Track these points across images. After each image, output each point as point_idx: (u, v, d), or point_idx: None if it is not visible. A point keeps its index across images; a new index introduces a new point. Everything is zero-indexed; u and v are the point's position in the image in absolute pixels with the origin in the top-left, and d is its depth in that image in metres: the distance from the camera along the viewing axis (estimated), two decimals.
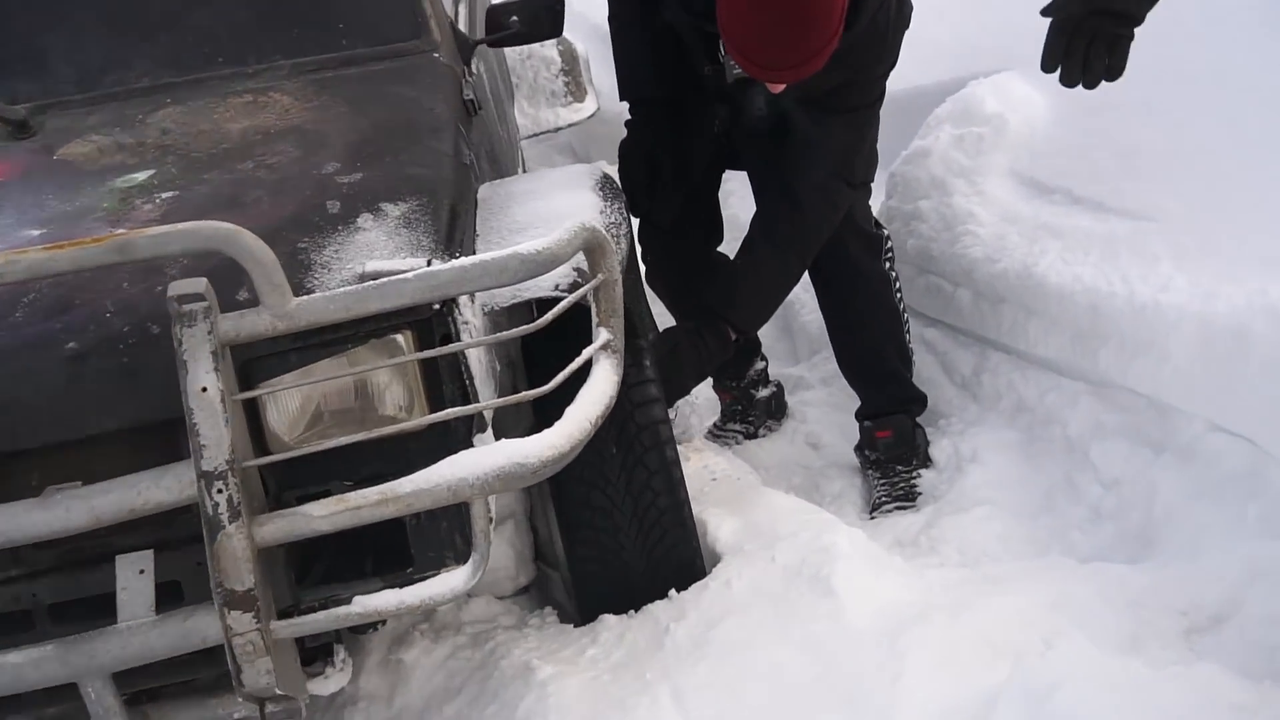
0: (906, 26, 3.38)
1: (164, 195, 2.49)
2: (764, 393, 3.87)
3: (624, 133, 3.50)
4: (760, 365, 3.89)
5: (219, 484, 2.03)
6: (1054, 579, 2.81)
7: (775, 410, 3.91)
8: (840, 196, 3.37)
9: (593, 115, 4.30)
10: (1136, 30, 2.64)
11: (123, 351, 2.18)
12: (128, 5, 3.28)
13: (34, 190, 2.58)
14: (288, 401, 2.22)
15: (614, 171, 3.39)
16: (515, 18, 3.19)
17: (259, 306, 2.08)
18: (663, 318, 3.56)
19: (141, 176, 2.56)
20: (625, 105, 3.63)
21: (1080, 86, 2.74)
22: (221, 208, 2.40)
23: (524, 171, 4.14)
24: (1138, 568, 2.87)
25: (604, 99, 4.69)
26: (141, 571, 2.15)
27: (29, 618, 2.21)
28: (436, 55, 3.06)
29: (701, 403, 4.02)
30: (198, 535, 2.09)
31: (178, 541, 2.20)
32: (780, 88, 3.06)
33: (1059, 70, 2.81)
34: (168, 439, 2.16)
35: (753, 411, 3.89)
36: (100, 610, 2.17)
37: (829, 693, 2.40)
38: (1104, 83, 2.74)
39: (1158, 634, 2.60)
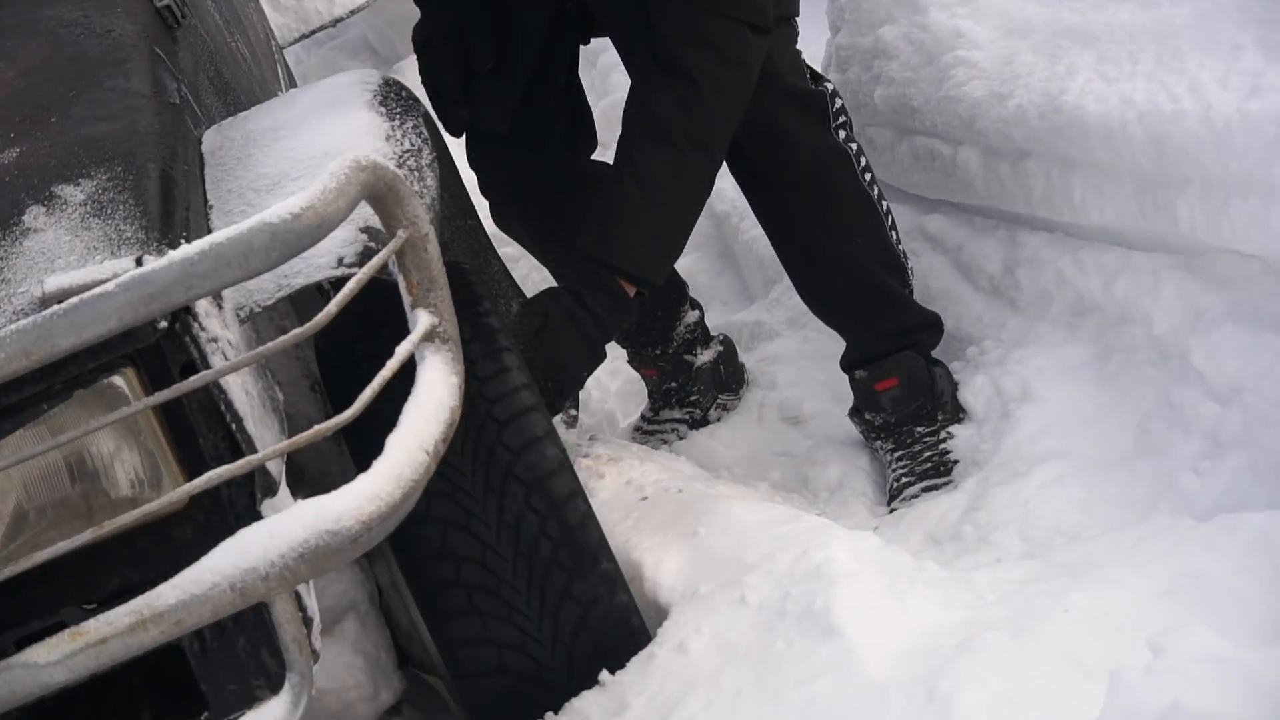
0: None
1: None
2: (705, 356, 3.91)
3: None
4: (692, 317, 3.93)
5: None
6: (1165, 551, 2.84)
7: (727, 379, 3.96)
8: (746, 47, 3.41)
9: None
10: None
11: None
12: None
13: None
14: None
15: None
16: None
17: None
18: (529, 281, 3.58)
19: None
20: None
21: None
22: None
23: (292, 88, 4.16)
24: None
25: None
26: None
27: None
28: None
29: (618, 387, 4.04)
30: None
31: None
32: None
33: None
34: None
35: (694, 386, 3.92)
36: None
37: None
38: None
39: None
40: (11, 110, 2.64)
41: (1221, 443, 3.16)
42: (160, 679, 2.38)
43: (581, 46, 3.82)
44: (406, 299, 2.45)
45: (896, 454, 3.60)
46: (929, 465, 3.55)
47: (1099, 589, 2.71)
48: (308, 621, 2.35)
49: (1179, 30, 3.41)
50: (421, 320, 2.42)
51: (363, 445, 2.40)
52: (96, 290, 2.16)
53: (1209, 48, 3.34)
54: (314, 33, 4.55)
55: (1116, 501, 3.18)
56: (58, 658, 2.15)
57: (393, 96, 2.96)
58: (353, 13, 4.66)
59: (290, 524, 2.20)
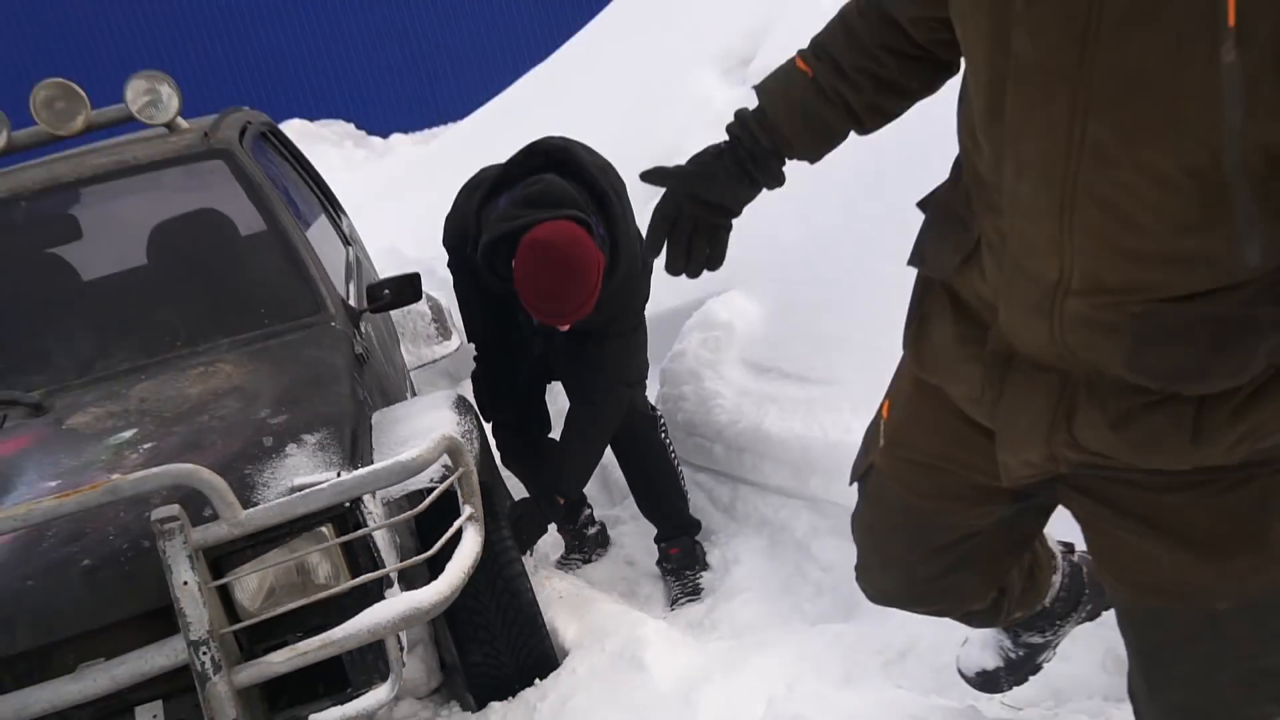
0: (651, 273, 3.34)
1: (145, 446, 2.49)
2: (592, 531, 3.77)
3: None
4: (587, 512, 3.79)
5: (203, 648, 2.10)
6: (794, 639, 2.84)
7: (601, 542, 3.82)
8: (623, 394, 3.36)
9: (457, 349, 4.26)
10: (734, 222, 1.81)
11: (124, 562, 2.22)
12: (106, 312, 3.25)
13: (51, 452, 2.56)
14: (248, 583, 2.24)
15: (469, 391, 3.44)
16: (387, 290, 3.17)
17: (219, 520, 2.15)
18: (518, 489, 3.54)
19: (128, 434, 2.57)
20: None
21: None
22: (188, 451, 2.43)
23: (413, 394, 4.09)
24: (849, 624, 2.89)
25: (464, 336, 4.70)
26: (155, 716, 2.19)
27: None
28: (333, 324, 3.04)
29: (551, 541, 3.88)
30: (193, 686, 2.14)
31: (179, 692, 2.21)
32: (566, 327, 3.07)
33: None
34: (165, 620, 2.19)
35: (586, 545, 3.78)
36: None
37: None
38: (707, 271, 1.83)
39: (864, 670, 2.65)
40: (286, 397, 2.64)
41: (822, 589, 3.08)
42: (328, 672, 2.30)
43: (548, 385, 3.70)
44: (460, 499, 2.44)
45: (675, 583, 3.47)
46: (690, 589, 3.43)
47: (765, 655, 2.68)
48: (400, 646, 2.32)
49: (816, 399, 3.33)
50: (466, 510, 2.42)
51: (435, 566, 2.32)
52: (317, 487, 2.19)
53: (830, 409, 3.28)
54: (423, 365, 4.49)
55: (773, 614, 3.10)
56: (283, 659, 2.16)
57: (461, 404, 2.90)
58: (443, 358, 4.57)
59: (399, 604, 2.22)
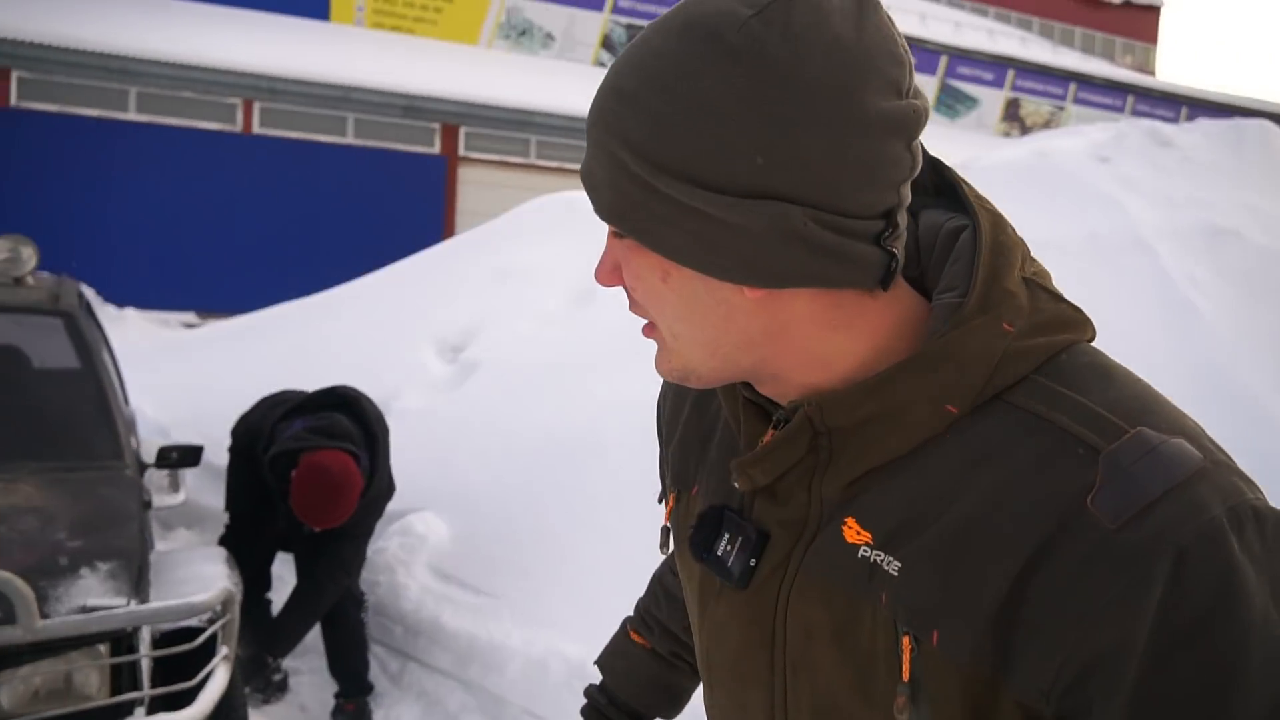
0: (391, 496, 3.40)
1: None
2: (277, 677, 3.39)
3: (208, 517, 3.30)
4: (277, 663, 3.41)
5: None
6: None
7: (281, 687, 3.41)
8: (343, 581, 3.27)
9: (182, 504, 3.84)
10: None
11: None
12: None
13: None
14: (17, 685, 1.98)
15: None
16: (175, 453, 3.00)
17: (14, 625, 1.93)
18: None
19: None
20: (219, 506, 3.45)
21: None
22: None
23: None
24: None
25: (191, 495, 4.27)
26: None
27: None
28: (127, 471, 2.81)
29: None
30: None
31: None
32: (319, 529, 3.09)
33: None
34: None
35: (268, 687, 3.34)
36: None
37: None
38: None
39: None
40: (83, 525, 2.38)
41: None
42: None
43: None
44: (220, 640, 2.24)
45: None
46: None
47: None
48: None
49: (486, 607, 3.27)
50: (223, 650, 2.24)
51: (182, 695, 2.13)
52: (112, 611, 2.04)
53: (495, 616, 3.23)
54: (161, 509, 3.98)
55: None
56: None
57: (230, 561, 2.67)
58: (170, 507, 4.02)
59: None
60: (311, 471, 2.95)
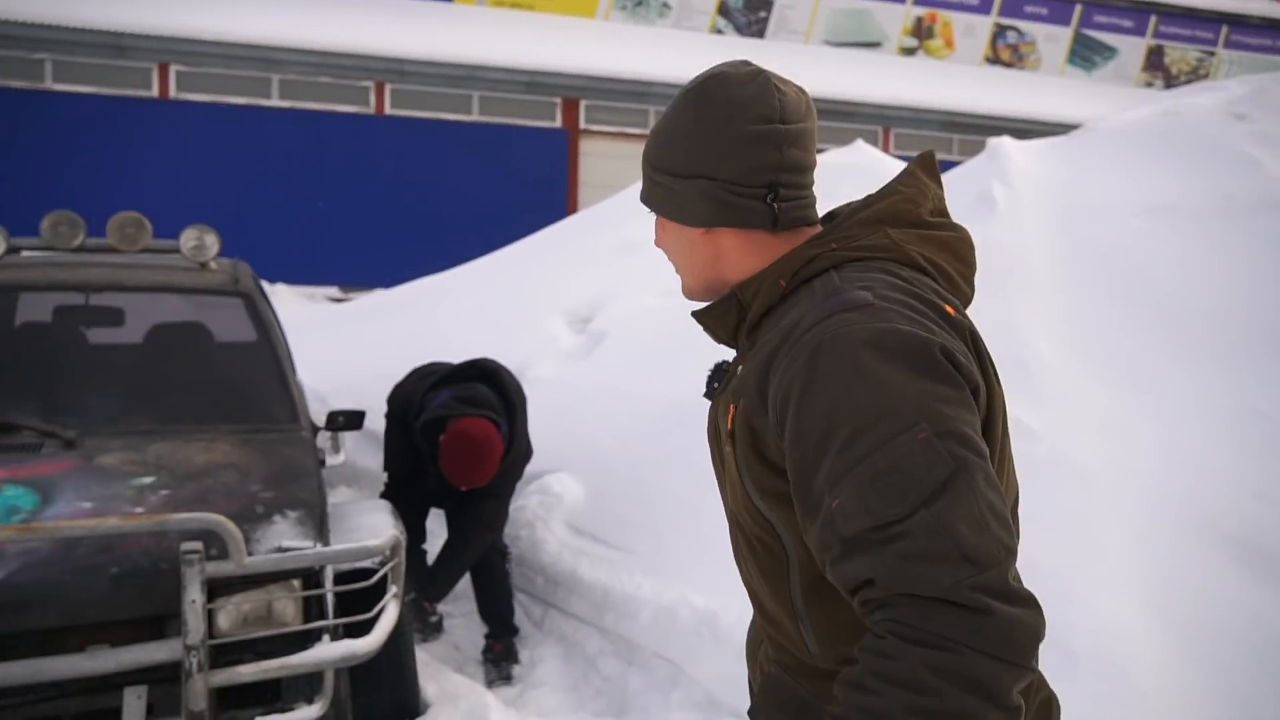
0: (528, 460, 3.65)
1: (163, 492, 2.50)
2: (434, 619, 3.67)
3: (363, 476, 3.57)
4: (433, 607, 3.66)
5: (194, 652, 2.13)
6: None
7: (437, 628, 3.68)
8: (488, 537, 3.50)
9: (341, 464, 4.16)
10: None
11: (143, 575, 2.23)
12: (135, 383, 3.17)
13: (84, 480, 2.51)
14: (231, 610, 2.27)
15: None
16: (341, 418, 3.27)
17: (229, 559, 2.22)
18: None
19: (148, 480, 2.56)
20: (379, 467, 3.73)
21: None
22: (198, 503, 2.46)
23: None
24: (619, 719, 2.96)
25: (349, 455, 4.58)
26: (139, 697, 2.17)
27: None
28: (304, 433, 3.06)
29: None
30: (170, 679, 2.17)
31: (157, 681, 2.20)
32: (465, 489, 3.35)
33: None
34: (153, 626, 2.22)
35: (426, 628, 3.60)
36: (108, 717, 2.17)
37: None
38: None
39: None
40: (273, 479, 2.64)
41: (601, 692, 3.14)
42: (271, 688, 2.34)
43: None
44: (390, 580, 2.50)
45: (495, 669, 3.38)
46: (505, 675, 3.37)
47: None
48: (334, 680, 2.36)
49: (618, 560, 3.45)
50: (392, 589, 2.49)
51: (359, 626, 2.41)
52: (299, 551, 2.30)
53: (626, 568, 3.39)
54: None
55: (568, 704, 3.05)
56: (250, 672, 2.20)
57: (394, 512, 2.93)
58: (332, 466, 4.39)
59: (340, 647, 2.31)
60: (457, 437, 3.24)
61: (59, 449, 2.71)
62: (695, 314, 1.16)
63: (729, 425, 1.05)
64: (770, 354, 1.01)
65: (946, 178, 5.19)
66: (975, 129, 16.05)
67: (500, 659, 3.53)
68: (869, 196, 1.11)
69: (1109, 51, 20.02)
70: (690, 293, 1.17)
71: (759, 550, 1.06)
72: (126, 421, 2.94)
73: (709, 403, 1.18)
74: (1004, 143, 4.72)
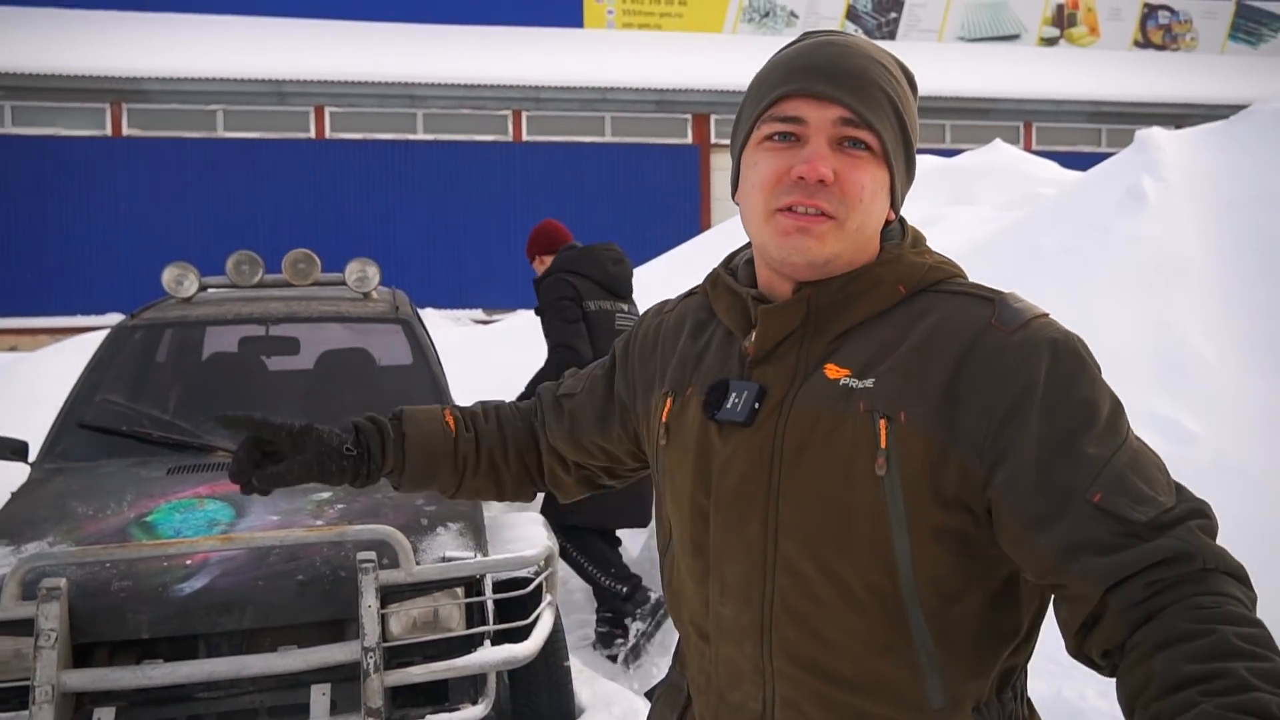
0: None
1: (338, 506, 2.64)
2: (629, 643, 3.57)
3: None
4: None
5: (371, 653, 2.26)
6: None
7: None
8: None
9: None
10: None
11: (326, 582, 2.38)
12: (307, 407, 3.36)
13: (269, 497, 2.53)
14: (403, 615, 2.40)
15: None
16: None
17: (399, 567, 2.37)
18: None
19: (325, 495, 2.71)
20: None
21: None
22: (370, 516, 2.60)
23: None
24: None
25: None
26: (324, 694, 2.32)
27: (255, 715, 2.35)
28: None
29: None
30: (350, 678, 2.32)
31: (338, 680, 2.35)
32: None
33: None
34: (333, 629, 2.38)
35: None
36: (298, 711, 2.35)
37: None
38: None
39: None
40: (433, 497, 2.79)
41: None
42: (438, 688, 2.46)
43: None
44: (545, 590, 2.60)
45: (628, 649, 3.45)
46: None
47: None
48: (495, 682, 2.46)
49: None
50: (547, 598, 2.60)
51: (516, 632, 2.51)
52: (465, 560, 2.41)
53: None
54: None
55: None
56: (420, 673, 2.32)
57: (547, 525, 2.91)
58: None
59: (501, 651, 2.41)
60: None
61: None
62: (763, 308, 1.01)
63: (881, 444, 0.90)
64: (925, 357, 0.92)
65: (1092, 172, 5.02)
66: (1125, 118, 15.26)
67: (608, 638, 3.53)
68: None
69: (1277, 22, 18.65)
70: (825, 256, 0.96)
71: (858, 599, 0.93)
72: None
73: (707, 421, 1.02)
74: (1153, 133, 4.51)
